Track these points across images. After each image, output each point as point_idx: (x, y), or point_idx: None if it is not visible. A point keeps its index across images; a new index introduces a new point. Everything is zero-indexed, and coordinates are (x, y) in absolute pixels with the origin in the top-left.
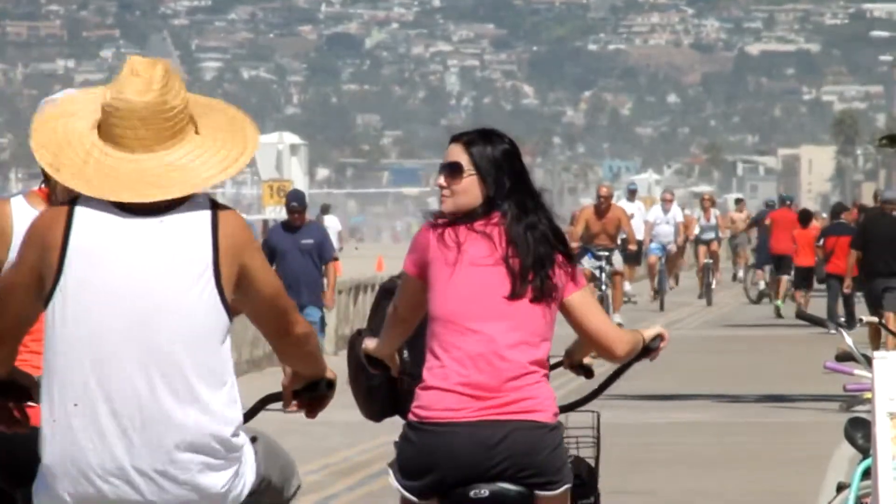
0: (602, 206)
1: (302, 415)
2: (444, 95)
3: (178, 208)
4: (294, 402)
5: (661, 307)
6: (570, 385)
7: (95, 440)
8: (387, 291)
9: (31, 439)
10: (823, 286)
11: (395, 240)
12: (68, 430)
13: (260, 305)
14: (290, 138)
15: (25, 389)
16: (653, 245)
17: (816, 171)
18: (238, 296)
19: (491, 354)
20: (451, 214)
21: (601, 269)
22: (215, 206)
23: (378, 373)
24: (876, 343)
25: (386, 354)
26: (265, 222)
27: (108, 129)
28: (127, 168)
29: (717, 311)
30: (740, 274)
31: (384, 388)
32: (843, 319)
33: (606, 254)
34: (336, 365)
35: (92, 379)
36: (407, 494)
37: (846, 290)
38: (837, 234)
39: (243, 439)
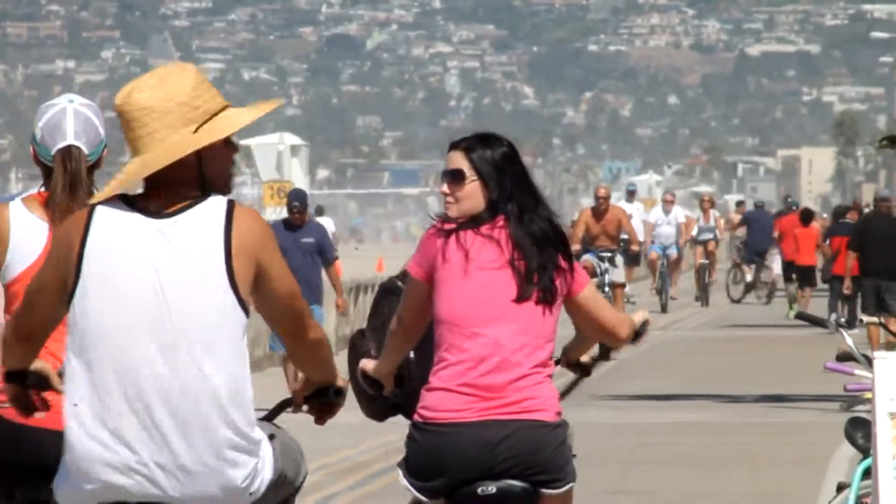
0: (600, 208)
1: (301, 414)
2: (445, 96)
3: (192, 208)
4: (305, 407)
5: (664, 309)
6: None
7: (115, 436)
8: (387, 291)
9: (29, 439)
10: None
11: (394, 240)
12: (88, 426)
13: (275, 305)
14: (291, 139)
15: (45, 378)
16: (654, 245)
17: (816, 172)
18: (255, 295)
19: (497, 357)
20: (456, 219)
21: (604, 270)
22: (231, 206)
23: (374, 392)
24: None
25: (385, 374)
26: None
27: None
28: None
29: (717, 312)
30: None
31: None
32: (843, 320)
33: (609, 255)
34: (336, 365)
35: (111, 377)
36: (416, 493)
37: (846, 291)
38: (843, 235)
39: (260, 434)
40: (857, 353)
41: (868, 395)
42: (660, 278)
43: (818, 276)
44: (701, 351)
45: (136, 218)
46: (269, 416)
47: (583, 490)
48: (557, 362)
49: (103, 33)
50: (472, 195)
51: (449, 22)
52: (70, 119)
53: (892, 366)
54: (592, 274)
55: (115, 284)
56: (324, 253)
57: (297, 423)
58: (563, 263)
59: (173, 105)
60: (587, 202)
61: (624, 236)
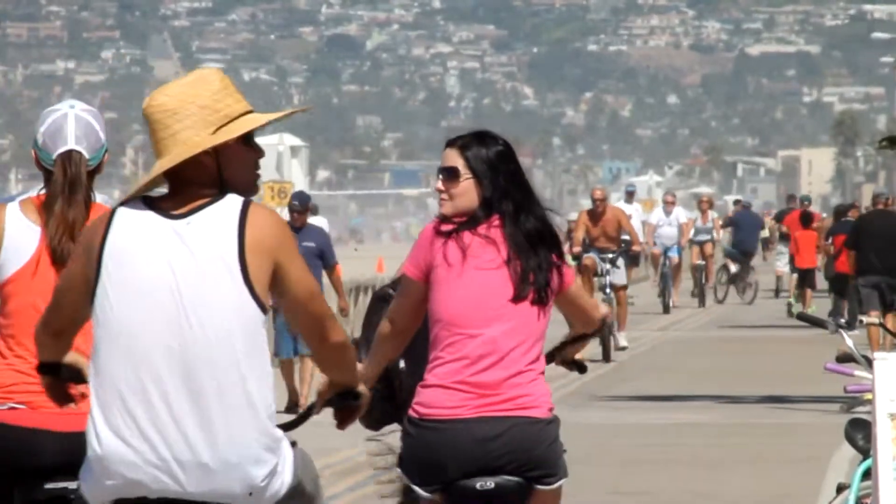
0: (597, 210)
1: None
2: (445, 97)
3: (206, 208)
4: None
5: (666, 309)
6: (571, 386)
7: (135, 433)
8: (380, 300)
9: (24, 440)
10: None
11: (395, 241)
12: (110, 422)
13: (294, 306)
14: (291, 140)
15: (78, 372)
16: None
17: (816, 172)
18: (276, 295)
19: (494, 356)
20: (452, 217)
21: (605, 270)
22: (246, 205)
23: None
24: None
25: (370, 377)
26: None
27: None
28: None
29: (717, 312)
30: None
31: (381, 399)
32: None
33: (610, 256)
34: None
35: (131, 374)
36: (414, 487)
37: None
38: (845, 233)
39: (280, 433)
40: (857, 354)
41: (868, 396)
42: (662, 280)
43: (819, 276)
44: (701, 351)
45: (154, 218)
46: (294, 424)
47: (583, 490)
48: (552, 360)
49: (103, 33)
50: (466, 192)
51: (449, 22)
52: (71, 124)
53: (892, 367)
54: (594, 273)
55: (133, 284)
56: (325, 258)
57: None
58: (557, 261)
59: (195, 108)
60: (587, 203)
61: (625, 237)
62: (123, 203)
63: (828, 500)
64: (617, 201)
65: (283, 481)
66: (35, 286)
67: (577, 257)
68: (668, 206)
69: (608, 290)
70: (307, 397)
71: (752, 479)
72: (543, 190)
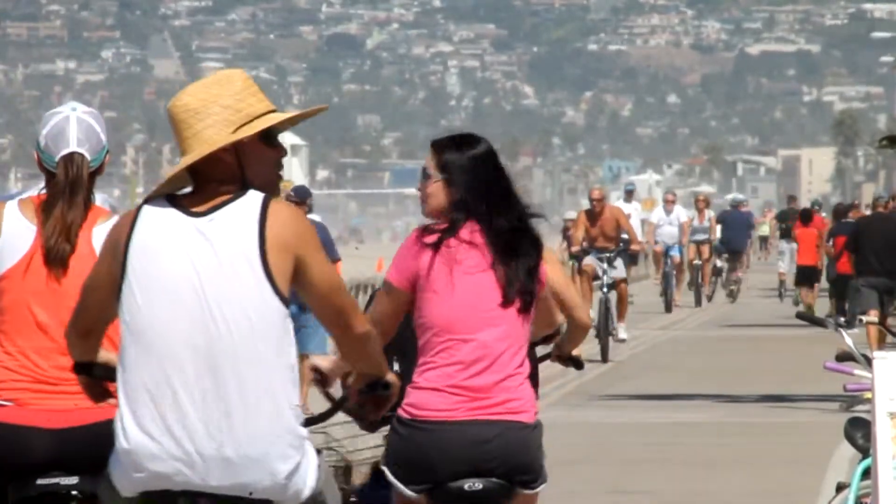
0: (595, 210)
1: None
2: (445, 96)
3: (228, 205)
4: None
5: (667, 308)
6: (570, 386)
7: (160, 427)
8: None
9: (18, 437)
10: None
11: (395, 240)
12: (137, 416)
13: (317, 300)
14: (291, 139)
15: (112, 370)
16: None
17: (816, 171)
18: (299, 289)
19: (486, 360)
20: (431, 218)
21: (604, 271)
22: (267, 201)
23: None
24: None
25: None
26: None
27: None
28: None
29: (717, 312)
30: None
31: None
32: (843, 320)
33: (608, 255)
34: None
35: (156, 370)
36: (401, 487)
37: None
38: (846, 234)
39: (305, 431)
40: (856, 353)
41: (868, 395)
42: (664, 279)
43: (821, 275)
44: (701, 351)
45: (177, 216)
46: (324, 417)
47: (583, 490)
48: (549, 356)
49: (103, 33)
50: (436, 194)
51: (449, 21)
52: (73, 127)
53: (891, 366)
54: (594, 276)
55: (158, 282)
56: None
57: None
58: (535, 263)
59: (217, 107)
60: (587, 202)
61: (624, 236)
62: (147, 201)
63: (827, 499)
64: (616, 200)
65: (307, 482)
66: (27, 284)
67: (575, 257)
68: (669, 205)
69: (605, 289)
70: (306, 396)
71: (752, 479)
72: (543, 189)
